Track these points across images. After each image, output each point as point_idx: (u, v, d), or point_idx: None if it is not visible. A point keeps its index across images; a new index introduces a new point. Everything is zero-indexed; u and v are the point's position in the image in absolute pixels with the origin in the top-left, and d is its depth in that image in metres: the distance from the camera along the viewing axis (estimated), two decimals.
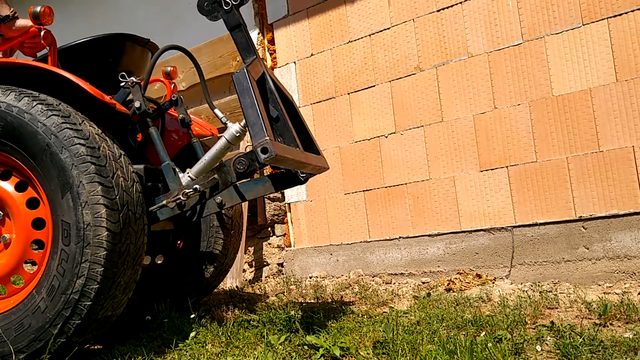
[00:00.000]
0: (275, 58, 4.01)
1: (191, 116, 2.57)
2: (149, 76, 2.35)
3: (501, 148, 3.13)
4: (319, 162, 2.19)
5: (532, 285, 2.83)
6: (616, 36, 2.82)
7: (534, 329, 2.00)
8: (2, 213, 1.90)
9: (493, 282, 2.98)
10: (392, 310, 2.46)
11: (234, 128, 2.11)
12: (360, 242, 3.56)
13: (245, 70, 1.85)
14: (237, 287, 3.51)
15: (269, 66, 4.03)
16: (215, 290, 3.12)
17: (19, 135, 1.78)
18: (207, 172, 2.07)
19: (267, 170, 3.57)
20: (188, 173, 2.12)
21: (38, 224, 1.86)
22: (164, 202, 2.11)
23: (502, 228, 3.08)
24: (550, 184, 2.97)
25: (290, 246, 3.89)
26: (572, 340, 1.72)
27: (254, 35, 4.09)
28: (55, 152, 1.73)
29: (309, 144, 2.27)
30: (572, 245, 2.86)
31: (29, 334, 1.70)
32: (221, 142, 2.10)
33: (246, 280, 3.94)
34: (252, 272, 4.04)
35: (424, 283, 3.22)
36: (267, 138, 1.72)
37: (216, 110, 2.33)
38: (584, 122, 2.90)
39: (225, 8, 2.02)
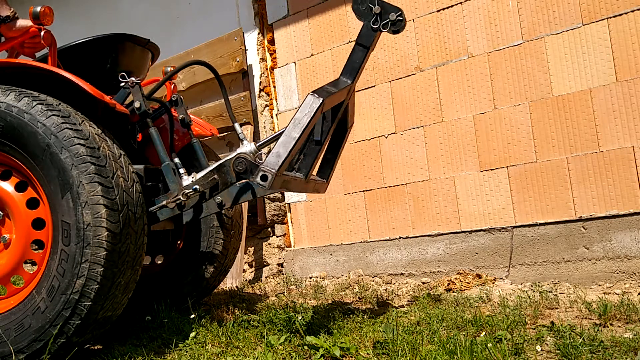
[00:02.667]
0: (275, 58, 4.01)
1: (191, 116, 2.57)
2: (161, 85, 2.37)
3: (501, 148, 3.13)
4: (316, 189, 2.22)
5: (532, 286, 2.83)
6: (616, 36, 2.82)
7: (534, 329, 2.00)
8: (2, 213, 1.90)
9: (493, 282, 2.98)
10: (392, 310, 2.46)
11: (248, 147, 2.12)
12: (360, 242, 3.56)
13: (320, 104, 1.80)
14: (237, 287, 3.51)
15: (269, 67, 4.03)
16: (215, 290, 3.12)
17: (18, 136, 1.78)
18: (207, 172, 2.07)
19: None
20: (192, 177, 2.12)
21: (38, 224, 1.86)
22: (164, 202, 2.11)
23: (502, 228, 3.08)
24: (550, 184, 2.97)
25: (290, 246, 3.89)
26: (572, 340, 1.72)
27: (254, 35, 4.09)
28: (55, 152, 1.73)
29: (328, 165, 2.28)
30: (572, 246, 2.86)
31: (29, 334, 1.70)
32: (232, 156, 2.11)
33: (246, 280, 3.94)
34: (252, 272, 4.04)
35: (424, 283, 3.22)
36: (275, 172, 1.74)
37: (236, 125, 2.35)
38: (584, 122, 2.90)
39: (373, 26, 2.02)
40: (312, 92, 1.84)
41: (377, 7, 2.00)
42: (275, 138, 2.10)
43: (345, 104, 2.12)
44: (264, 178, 1.74)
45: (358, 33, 2.06)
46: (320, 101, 1.81)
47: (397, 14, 1.99)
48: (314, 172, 2.18)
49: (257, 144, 2.17)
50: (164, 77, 2.38)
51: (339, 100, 2.05)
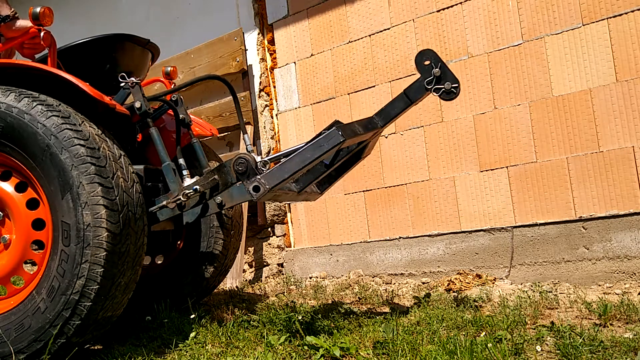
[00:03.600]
0: (275, 58, 4.01)
1: (191, 116, 2.57)
2: (173, 91, 2.40)
3: (501, 148, 3.13)
4: (306, 199, 2.26)
5: (532, 286, 2.83)
6: (616, 36, 2.82)
7: (534, 329, 2.00)
8: (2, 214, 1.90)
9: (493, 283, 2.98)
10: (392, 310, 2.46)
11: (256, 159, 2.13)
12: (360, 242, 3.56)
13: (339, 142, 1.81)
14: (237, 287, 3.51)
15: (269, 67, 4.03)
16: (215, 290, 3.12)
17: (18, 136, 1.78)
18: (207, 173, 2.08)
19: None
20: (193, 178, 2.12)
21: (38, 224, 1.86)
22: (164, 202, 2.11)
23: (502, 228, 3.08)
24: (550, 184, 2.97)
25: (290, 246, 3.89)
26: (572, 340, 1.72)
27: (254, 35, 4.09)
28: (55, 152, 1.73)
29: (328, 181, 2.31)
30: (572, 246, 2.86)
31: (29, 335, 1.70)
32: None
33: (246, 280, 3.94)
34: (252, 272, 4.04)
35: (424, 283, 3.22)
36: (269, 188, 1.80)
37: (245, 136, 2.35)
38: (584, 122, 2.90)
39: (427, 85, 2.05)
40: (338, 126, 1.84)
41: (437, 70, 2.01)
42: (286, 155, 2.10)
43: (367, 142, 2.13)
44: (256, 189, 1.78)
45: (411, 84, 2.06)
46: (341, 140, 1.82)
47: (454, 85, 2.00)
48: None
49: (266, 158, 2.18)
50: (176, 86, 2.39)
51: (362, 139, 2.06)
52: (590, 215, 2.84)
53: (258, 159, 2.04)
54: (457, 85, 2.00)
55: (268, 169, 1.87)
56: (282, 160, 1.90)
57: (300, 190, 2.06)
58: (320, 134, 1.89)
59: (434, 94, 2.05)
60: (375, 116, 2.11)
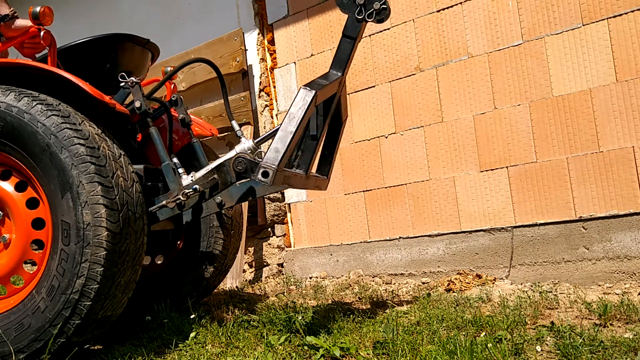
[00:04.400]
0: (275, 58, 4.01)
1: (191, 116, 2.57)
2: (162, 84, 2.38)
3: (501, 148, 3.12)
4: (317, 185, 2.22)
5: (532, 286, 2.83)
6: (616, 36, 2.82)
7: (534, 329, 1.99)
8: (2, 213, 1.90)
9: (493, 283, 2.98)
10: (392, 310, 2.46)
11: (247, 144, 2.12)
12: (360, 242, 3.56)
13: (313, 96, 1.80)
14: (237, 287, 3.51)
15: (269, 67, 4.03)
16: (215, 290, 3.12)
17: (18, 135, 1.78)
18: (207, 172, 2.08)
19: None
20: (192, 177, 2.12)
21: (38, 224, 1.86)
22: (164, 202, 2.11)
23: (502, 228, 3.07)
24: (550, 184, 2.97)
25: (290, 246, 3.88)
26: (572, 340, 1.72)
27: (254, 35, 4.09)
28: (55, 152, 1.73)
29: (326, 161, 2.29)
30: (572, 246, 2.86)
31: (28, 334, 1.70)
32: (231, 154, 2.11)
33: (246, 280, 3.94)
34: (252, 272, 4.04)
35: (424, 283, 3.22)
36: (275, 167, 1.73)
37: (233, 122, 2.35)
38: (584, 122, 2.90)
39: (358, 17, 2.01)
40: (303, 85, 1.84)
41: None
42: (273, 134, 2.09)
43: (337, 97, 2.11)
44: (265, 174, 1.74)
45: (344, 25, 2.06)
46: (313, 94, 1.81)
47: (381, 2, 1.98)
48: (314, 170, 2.19)
49: (256, 141, 2.17)
50: (164, 77, 2.39)
51: (331, 92, 2.05)
52: (590, 216, 2.84)
53: (249, 142, 2.04)
54: (384, 0, 1.99)
55: (265, 154, 1.85)
56: (275, 137, 1.87)
57: (307, 172, 2.03)
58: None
59: (369, 20, 2.02)
60: (331, 69, 2.10)
